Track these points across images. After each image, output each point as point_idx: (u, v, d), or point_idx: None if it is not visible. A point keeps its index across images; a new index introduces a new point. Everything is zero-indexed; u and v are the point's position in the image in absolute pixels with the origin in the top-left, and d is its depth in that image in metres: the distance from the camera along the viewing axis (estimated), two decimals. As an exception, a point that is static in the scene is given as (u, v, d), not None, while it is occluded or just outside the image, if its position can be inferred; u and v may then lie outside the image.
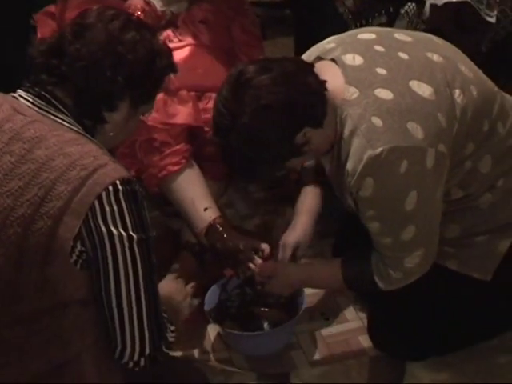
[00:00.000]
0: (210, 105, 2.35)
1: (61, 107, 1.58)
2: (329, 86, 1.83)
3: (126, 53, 1.60)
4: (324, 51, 1.94)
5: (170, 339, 1.66)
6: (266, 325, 2.22)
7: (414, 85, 1.83)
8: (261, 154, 1.81)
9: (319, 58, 1.93)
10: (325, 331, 2.27)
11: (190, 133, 2.36)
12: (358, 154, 1.80)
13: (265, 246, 2.19)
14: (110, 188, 1.51)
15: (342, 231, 2.40)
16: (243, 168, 1.89)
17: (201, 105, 2.36)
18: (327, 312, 2.32)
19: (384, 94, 1.81)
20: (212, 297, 2.23)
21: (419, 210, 1.84)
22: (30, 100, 1.59)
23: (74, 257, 1.51)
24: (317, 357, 2.19)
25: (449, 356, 2.15)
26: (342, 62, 1.87)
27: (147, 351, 1.58)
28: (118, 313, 1.55)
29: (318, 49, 1.98)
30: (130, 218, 1.53)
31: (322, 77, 1.84)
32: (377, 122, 1.79)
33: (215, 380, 2.10)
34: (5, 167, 1.51)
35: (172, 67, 1.72)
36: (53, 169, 1.50)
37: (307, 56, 1.98)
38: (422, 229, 1.88)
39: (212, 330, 2.28)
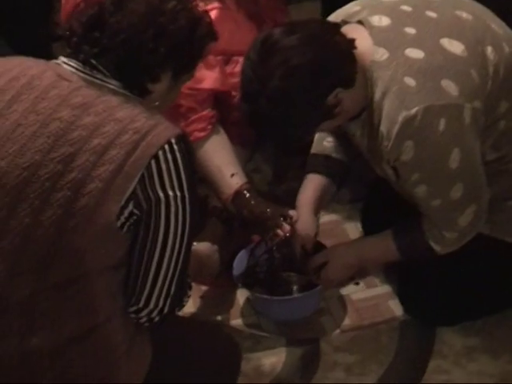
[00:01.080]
0: (237, 69, 2.33)
1: (105, 71, 1.57)
2: (357, 48, 1.80)
3: (167, 23, 1.58)
4: (349, 14, 1.91)
5: (184, 303, 1.67)
6: (295, 289, 2.21)
7: (445, 42, 1.80)
8: (292, 117, 1.79)
9: (344, 22, 1.89)
10: (355, 296, 2.26)
11: (217, 98, 2.34)
12: (391, 116, 1.77)
13: (293, 213, 2.17)
14: (166, 147, 1.51)
15: (371, 196, 2.38)
16: (273, 133, 1.87)
17: (228, 69, 2.34)
18: (357, 276, 2.31)
19: (414, 53, 1.78)
20: (240, 262, 2.22)
21: (464, 166, 1.81)
22: (74, 66, 1.58)
23: (123, 219, 1.50)
24: (346, 322, 2.19)
25: (479, 321, 2.14)
26: (368, 24, 1.84)
27: (165, 311, 1.60)
28: (155, 271, 1.56)
29: (342, 12, 1.95)
30: (185, 177, 1.53)
31: None
32: (409, 81, 1.76)
33: (244, 345, 2.10)
34: (54, 133, 1.50)
35: (213, 35, 1.70)
36: (104, 134, 1.49)
37: (332, 19, 1.95)
38: (469, 185, 1.85)
39: (241, 295, 2.28)
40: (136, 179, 1.49)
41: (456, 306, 2.10)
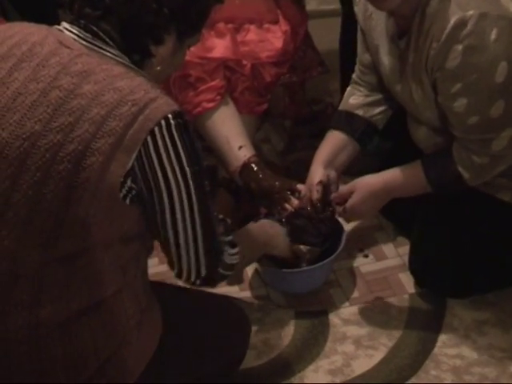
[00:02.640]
0: (248, 37, 2.30)
1: (108, 40, 1.54)
2: None
3: None
4: None
5: (231, 261, 1.68)
6: (304, 262, 2.19)
7: None
8: None
9: None
10: (364, 268, 2.25)
11: (226, 66, 2.31)
12: (445, 17, 1.73)
13: (301, 187, 2.15)
14: (163, 122, 1.48)
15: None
16: None
17: (239, 37, 2.30)
18: (366, 249, 2.31)
19: None
20: (249, 234, 2.20)
21: (510, 83, 1.77)
22: (76, 33, 1.55)
23: (124, 191, 1.49)
24: (356, 295, 2.18)
25: (490, 295, 2.13)
26: None
27: (203, 274, 1.62)
28: (174, 241, 1.57)
29: None
30: (184, 152, 1.51)
31: None
32: None
33: (253, 316, 2.09)
34: (54, 102, 1.48)
35: None
36: (103, 104, 1.47)
37: None
38: (510, 105, 1.80)
39: (250, 267, 2.26)
40: (135, 154, 1.47)
41: (467, 279, 2.09)
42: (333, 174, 2.10)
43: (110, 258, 1.54)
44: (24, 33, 1.56)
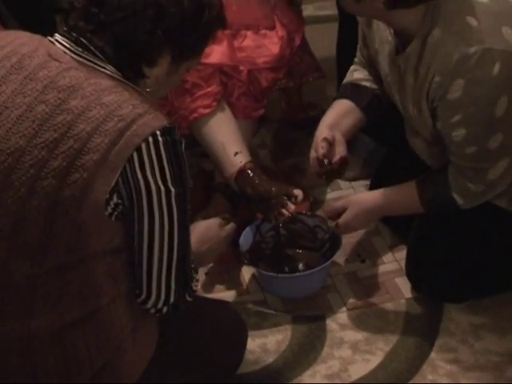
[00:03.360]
0: (245, 43, 2.31)
1: (98, 54, 1.52)
2: None
3: (168, 5, 1.51)
4: None
5: (194, 288, 1.64)
6: (300, 266, 2.20)
7: None
8: None
9: None
10: (361, 273, 2.25)
11: (223, 71, 2.31)
12: (448, 52, 1.74)
13: (297, 192, 2.15)
14: (150, 139, 1.46)
15: (379, 174, 2.36)
16: None
17: (235, 43, 2.30)
18: (363, 254, 2.31)
19: None
20: (246, 238, 2.21)
21: (508, 116, 1.78)
22: (67, 46, 1.53)
23: (109, 209, 1.48)
24: (353, 299, 2.18)
25: (487, 300, 2.13)
26: None
27: (171, 300, 1.58)
28: (147, 263, 1.53)
29: None
30: (169, 170, 1.48)
31: None
32: (471, 21, 1.74)
33: (250, 321, 2.09)
34: (39, 117, 1.46)
35: (221, 22, 1.63)
36: (89, 120, 1.45)
37: None
38: (508, 137, 1.81)
39: (247, 272, 2.27)
40: (119, 171, 1.45)
41: (464, 284, 2.09)
42: (338, 135, 2.06)
43: (102, 269, 1.53)
44: (15, 44, 1.55)
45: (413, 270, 2.17)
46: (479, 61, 1.73)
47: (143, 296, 1.57)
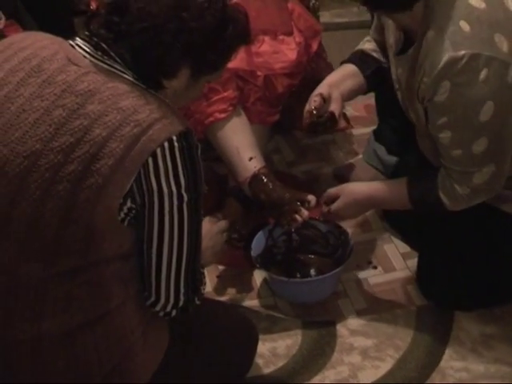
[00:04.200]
0: (263, 48, 2.31)
1: (117, 59, 1.52)
2: None
3: (190, 20, 1.50)
4: None
5: (203, 291, 1.64)
6: (312, 272, 2.21)
7: (509, 1, 1.79)
8: None
9: None
10: (372, 280, 2.25)
11: (239, 76, 2.32)
12: (438, 54, 1.76)
13: (311, 198, 2.15)
14: (166, 145, 1.46)
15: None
16: None
17: (253, 48, 2.31)
18: (375, 261, 2.31)
19: (476, 2, 1.77)
20: (258, 243, 2.22)
21: (494, 122, 1.79)
22: (87, 50, 1.54)
23: (122, 214, 1.48)
24: (363, 306, 2.18)
25: (497, 309, 2.13)
26: None
27: (180, 304, 1.58)
28: (156, 266, 1.54)
29: None
30: (184, 176, 1.48)
31: None
32: (464, 26, 1.75)
33: (260, 325, 2.09)
34: (56, 121, 1.47)
35: (244, 39, 1.62)
36: (105, 125, 1.45)
37: None
38: (493, 143, 1.83)
39: (258, 276, 2.28)
40: (134, 175, 1.45)
41: (474, 292, 2.09)
42: (336, 93, 2.09)
43: (112, 272, 1.54)
44: (36, 46, 1.56)
45: (423, 279, 2.17)
46: (466, 65, 1.74)
47: (152, 299, 1.57)
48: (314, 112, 2.04)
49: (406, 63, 1.89)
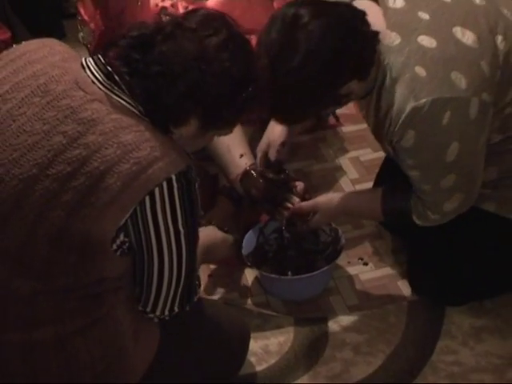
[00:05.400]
0: None
1: (127, 91, 1.49)
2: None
3: (209, 74, 1.47)
4: None
5: (195, 299, 1.66)
6: (303, 269, 2.20)
7: (458, 31, 1.78)
8: (302, 99, 1.76)
9: None
10: (363, 276, 2.26)
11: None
12: (400, 104, 1.77)
13: (298, 183, 2.18)
14: (165, 184, 1.45)
15: (381, 175, 2.37)
16: (277, 108, 1.82)
17: (239, 48, 2.32)
18: (366, 257, 2.32)
19: (427, 41, 1.77)
20: (250, 241, 2.23)
21: (460, 160, 1.82)
22: (97, 76, 1.51)
23: (115, 246, 1.49)
24: (355, 302, 2.19)
25: (488, 302, 2.14)
26: (384, 4, 1.82)
27: (174, 312, 1.61)
28: (157, 286, 1.55)
29: None
30: (181, 213, 1.48)
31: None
32: (420, 71, 1.75)
33: (252, 323, 2.11)
34: (55, 148, 1.45)
35: (258, 102, 1.60)
36: (104, 158, 1.43)
37: None
38: (462, 177, 1.86)
39: (250, 274, 2.29)
40: (129, 213, 1.45)
41: (464, 286, 2.10)
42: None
43: (105, 288, 1.55)
44: (47, 62, 1.53)
45: (414, 274, 2.18)
46: (429, 112, 1.75)
47: (148, 309, 1.59)
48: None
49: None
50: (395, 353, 2.05)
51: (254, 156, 2.27)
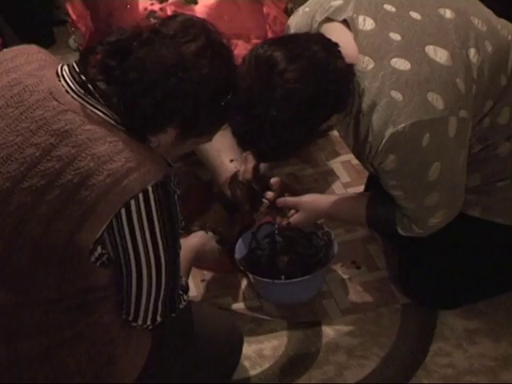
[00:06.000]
0: (237, 52, 2.30)
1: (101, 100, 1.45)
2: (344, 55, 1.76)
3: (186, 82, 1.44)
4: (333, 10, 1.85)
5: (181, 306, 1.64)
6: (296, 273, 2.19)
7: (430, 50, 1.78)
8: (283, 138, 1.74)
9: (329, 19, 1.84)
10: (356, 279, 2.26)
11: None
12: (379, 131, 1.77)
13: (274, 179, 2.17)
14: (141, 196, 1.42)
15: (372, 179, 2.37)
16: (258, 145, 1.80)
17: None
18: (358, 260, 2.32)
19: (401, 64, 1.76)
20: (242, 245, 2.23)
21: (443, 178, 1.83)
22: (71, 85, 1.48)
23: (94, 258, 1.47)
24: (348, 305, 2.19)
25: (481, 304, 2.14)
26: (354, 27, 1.80)
27: (157, 322, 1.59)
28: (136, 296, 1.53)
29: (323, 6, 1.88)
30: (159, 225, 1.45)
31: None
32: (396, 96, 1.74)
33: (246, 328, 2.11)
34: (28, 160, 1.43)
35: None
36: (77, 171, 1.41)
37: (311, 9, 1.89)
38: (445, 194, 1.87)
39: (243, 279, 2.28)
40: (105, 225, 1.42)
41: (456, 290, 2.11)
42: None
43: (90, 297, 1.53)
44: (23, 71, 1.51)
45: (405, 277, 2.19)
46: (408, 136, 1.75)
47: (130, 318, 1.57)
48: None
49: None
50: (389, 356, 2.05)
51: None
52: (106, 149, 1.42)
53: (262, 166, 2.18)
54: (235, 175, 2.19)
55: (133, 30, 1.49)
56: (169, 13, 2.34)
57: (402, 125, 1.74)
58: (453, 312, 2.13)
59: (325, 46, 1.75)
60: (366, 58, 1.77)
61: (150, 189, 1.43)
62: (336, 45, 1.77)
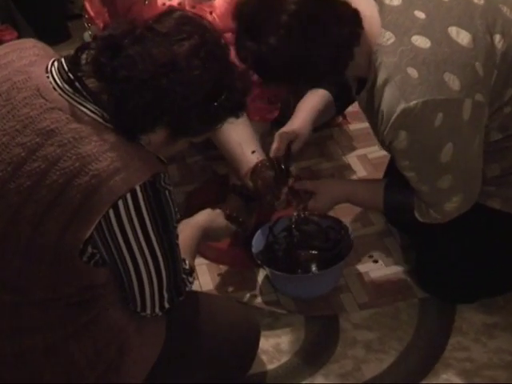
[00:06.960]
0: None
1: (89, 97, 1.43)
2: (365, 26, 1.76)
3: (177, 82, 1.41)
4: None
5: (190, 288, 1.64)
6: (313, 267, 2.21)
7: (453, 31, 1.77)
8: (297, 57, 1.71)
9: None
10: (373, 273, 2.26)
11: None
12: (391, 105, 1.76)
13: (292, 169, 2.16)
14: (128, 196, 1.39)
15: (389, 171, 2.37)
16: (281, 73, 1.77)
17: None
18: (376, 254, 2.31)
19: (421, 41, 1.75)
20: (259, 240, 2.22)
21: (455, 160, 1.81)
22: (58, 82, 1.45)
23: (85, 258, 1.45)
24: (366, 299, 2.19)
25: (500, 299, 2.14)
26: (380, 0, 1.80)
27: (166, 307, 1.59)
28: (138, 290, 1.53)
29: None
30: (150, 221, 1.44)
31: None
32: (412, 72, 1.73)
33: (263, 322, 2.10)
34: (15, 160, 1.41)
35: (237, 110, 1.54)
36: (63, 171, 1.38)
37: None
38: (459, 177, 1.85)
39: (260, 273, 2.28)
40: (93, 226, 1.40)
41: (474, 284, 2.09)
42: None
43: (91, 294, 1.52)
44: (13, 67, 1.49)
45: (422, 271, 2.18)
46: (420, 114, 1.74)
47: (138, 309, 1.57)
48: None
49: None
50: (407, 350, 2.04)
51: (265, 152, 2.27)
52: (92, 148, 1.39)
53: (294, 146, 2.16)
54: (256, 166, 2.19)
55: (127, 24, 1.47)
56: (187, 8, 2.33)
57: (414, 102, 1.73)
58: (471, 306, 2.12)
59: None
60: (388, 32, 1.77)
61: (138, 188, 1.40)
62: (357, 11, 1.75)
